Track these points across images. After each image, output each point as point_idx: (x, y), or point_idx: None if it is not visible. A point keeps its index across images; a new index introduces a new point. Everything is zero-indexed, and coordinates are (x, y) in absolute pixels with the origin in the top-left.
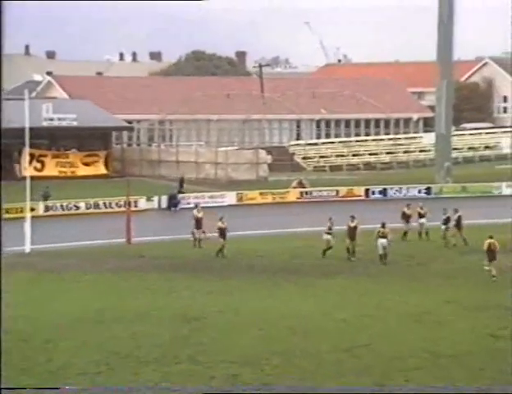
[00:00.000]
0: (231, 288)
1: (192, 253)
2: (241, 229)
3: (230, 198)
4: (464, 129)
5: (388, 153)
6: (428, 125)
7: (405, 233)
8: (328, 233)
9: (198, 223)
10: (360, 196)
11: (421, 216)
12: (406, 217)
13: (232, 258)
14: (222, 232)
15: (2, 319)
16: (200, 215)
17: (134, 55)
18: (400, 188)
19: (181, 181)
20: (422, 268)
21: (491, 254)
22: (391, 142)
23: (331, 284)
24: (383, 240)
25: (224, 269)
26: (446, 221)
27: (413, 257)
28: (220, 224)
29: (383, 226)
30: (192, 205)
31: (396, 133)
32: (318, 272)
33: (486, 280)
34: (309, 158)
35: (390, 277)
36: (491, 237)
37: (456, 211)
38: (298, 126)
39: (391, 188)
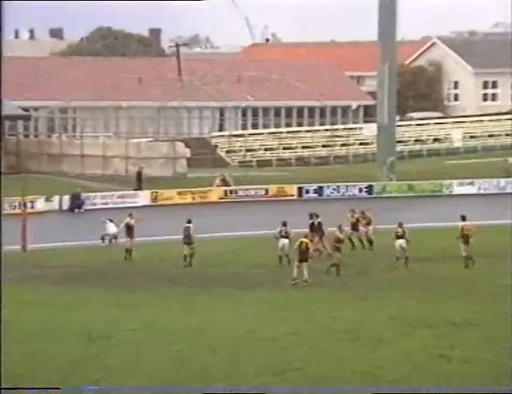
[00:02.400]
0: (143, 302)
1: (98, 261)
2: (155, 233)
3: (143, 197)
4: (411, 119)
5: (324, 146)
6: (369, 114)
7: (353, 243)
8: (284, 236)
9: (130, 231)
10: (292, 196)
11: (367, 223)
12: (353, 224)
13: (144, 266)
14: (189, 238)
15: (1, 320)
16: (133, 222)
17: (31, 32)
18: (338, 186)
19: (139, 175)
20: (360, 279)
21: (303, 254)
22: (328, 133)
23: (256, 296)
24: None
25: (135, 280)
26: (311, 226)
27: (351, 266)
28: (189, 225)
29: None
30: (98, 207)
31: (333, 123)
32: (242, 283)
33: (433, 291)
34: (234, 151)
35: (323, 287)
36: (305, 236)
37: (317, 216)
38: (221, 115)
39: (328, 186)
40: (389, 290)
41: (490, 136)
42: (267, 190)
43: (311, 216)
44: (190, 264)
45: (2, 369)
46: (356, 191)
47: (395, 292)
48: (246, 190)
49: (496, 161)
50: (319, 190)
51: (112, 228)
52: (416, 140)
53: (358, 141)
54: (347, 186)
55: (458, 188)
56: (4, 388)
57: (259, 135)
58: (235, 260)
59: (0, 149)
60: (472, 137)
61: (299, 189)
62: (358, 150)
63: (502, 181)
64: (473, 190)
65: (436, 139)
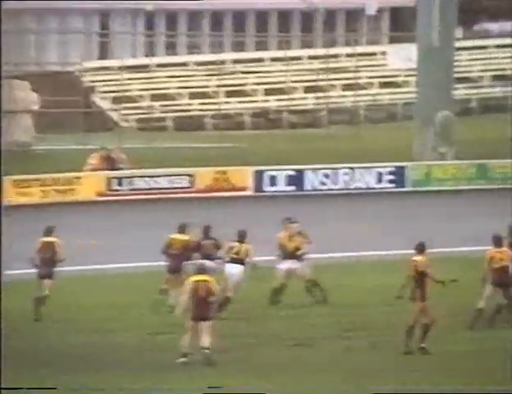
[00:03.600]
0: None
1: None
2: None
3: None
4: (485, 35)
5: (310, 89)
6: (402, 25)
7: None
8: (236, 260)
9: None
10: (244, 189)
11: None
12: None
13: None
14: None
15: (1, 319)
16: None
17: None
18: (336, 171)
19: None
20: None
21: (202, 304)
22: (317, 65)
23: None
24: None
25: None
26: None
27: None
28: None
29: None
30: None
31: (329, 44)
32: (165, 365)
33: None
34: (129, 100)
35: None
36: (201, 272)
37: (241, 235)
38: (104, 27)
39: (315, 170)
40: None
41: None
42: (192, 179)
43: (205, 229)
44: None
45: (2, 369)
46: (372, 181)
47: None
48: (152, 177)
49: None
50: (297, 179)
51: None
52: (496, 77)
53: (379, 79)
54: (353, 170)
55: None
56: (4, 388)
57: (179, 66)
58: (125, 319)
59: (0, 157)
60: None
61: (258, 175)
62: (377, 98)
63: None
64: None
65: None
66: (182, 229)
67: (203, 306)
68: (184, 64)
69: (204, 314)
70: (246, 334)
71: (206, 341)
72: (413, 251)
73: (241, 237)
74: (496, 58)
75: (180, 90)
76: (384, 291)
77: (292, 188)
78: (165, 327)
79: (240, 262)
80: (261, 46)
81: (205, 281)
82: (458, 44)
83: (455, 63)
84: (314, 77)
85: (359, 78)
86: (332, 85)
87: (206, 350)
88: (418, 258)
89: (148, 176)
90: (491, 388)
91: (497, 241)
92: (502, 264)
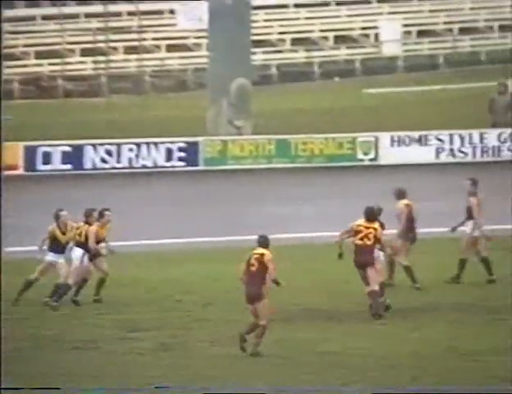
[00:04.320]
0: None
1: None
2: None
3: None
4: None
5: (86, 52)
6: None
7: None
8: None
9: None
10: (13, 168)
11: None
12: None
13: None
14: None
15: (1, 319)
16: None
17: None
18: (119, 146)
19: None
20: None
21: None
22: (94, 24)
23: None
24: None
25: None
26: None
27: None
28: None
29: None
30: None
31: (108, 0)
32: None
33: None
34: None
35: None
36: None
37: (88, 215)
38: None
39: (95, 146)
40: None
41: (462, 30)
42: None
43: None
44: None
45: (2, 369)
46: (161, 159)
47: None
48: None
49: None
50: (75, 156)
51: None
52: (297, 40)
53: (167, 41)
54: (139, 146)
55: (391, 151)
56: (4, 388)
57: None
58: None
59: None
60: (422, 33)
61: (29, 152)
62: (165, 63)
63: (493, 135)
64: (426, 153)
65: (339, 39)
66: None
67: None
68: None
69: None
70: (18, 337)
71: None
72: (205, 239)
73: (88, 217)
74: (296, 19)
75: None
76: (175, 286)
77: (69, 166)
78: None
79: (84, 245)
80: (32, 2)
81: None
82: (254, 2)
83: (252, 24)
84: (92, 38)
85: (144, 40)
86: (113, 48)
87: None
88: (262, 250)
89: None
90: (491, 388)
91: (369, 214)
92: (364, 242)
